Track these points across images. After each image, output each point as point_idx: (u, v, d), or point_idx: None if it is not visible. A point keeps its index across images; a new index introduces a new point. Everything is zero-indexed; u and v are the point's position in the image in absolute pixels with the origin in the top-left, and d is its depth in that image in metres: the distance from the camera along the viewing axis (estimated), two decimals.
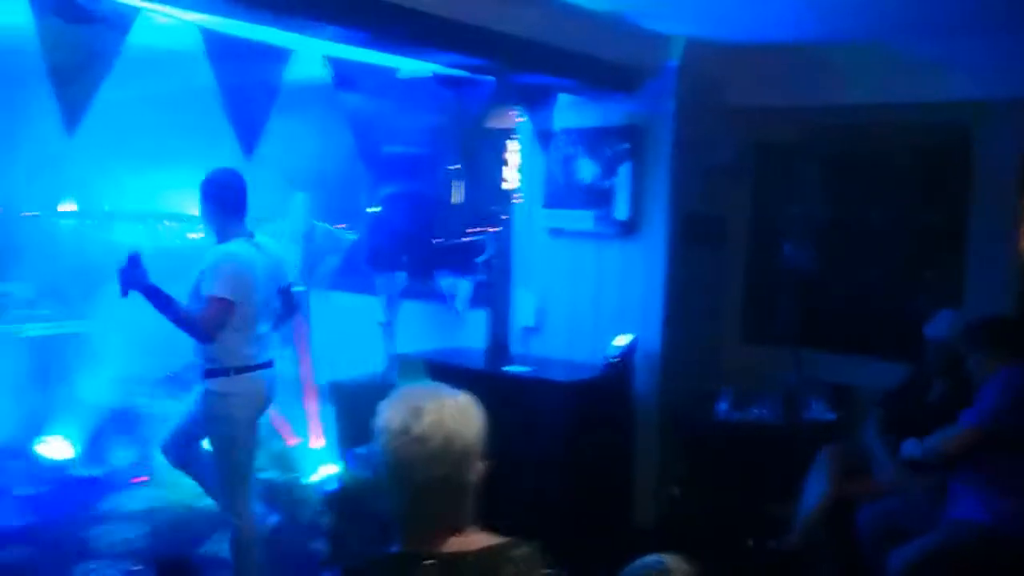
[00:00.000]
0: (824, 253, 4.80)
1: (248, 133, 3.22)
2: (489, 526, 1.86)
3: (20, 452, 5.36)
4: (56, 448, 5.52)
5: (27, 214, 5.99)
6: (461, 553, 1.78)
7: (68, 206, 6.14)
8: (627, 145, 4.81)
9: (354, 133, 3.68)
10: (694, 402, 4.77)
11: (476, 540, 1.81)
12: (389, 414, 1.80)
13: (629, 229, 4.82)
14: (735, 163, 4.98)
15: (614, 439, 4.69)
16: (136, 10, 3.02)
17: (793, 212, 4.91)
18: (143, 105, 4.75)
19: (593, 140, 4.93)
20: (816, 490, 4.08)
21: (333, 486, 4.73)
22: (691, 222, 4.84)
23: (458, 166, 5.34)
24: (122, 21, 3.00)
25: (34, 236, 5.94)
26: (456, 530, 1.80)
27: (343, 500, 4.58)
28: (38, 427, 5.49)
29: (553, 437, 4.38)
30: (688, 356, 4.87)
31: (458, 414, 1.81)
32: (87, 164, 5.04)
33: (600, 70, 4.48)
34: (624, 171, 4.80)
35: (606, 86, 4.68)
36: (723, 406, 4.65)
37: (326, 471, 5.20)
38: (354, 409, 4.57)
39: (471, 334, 5.52)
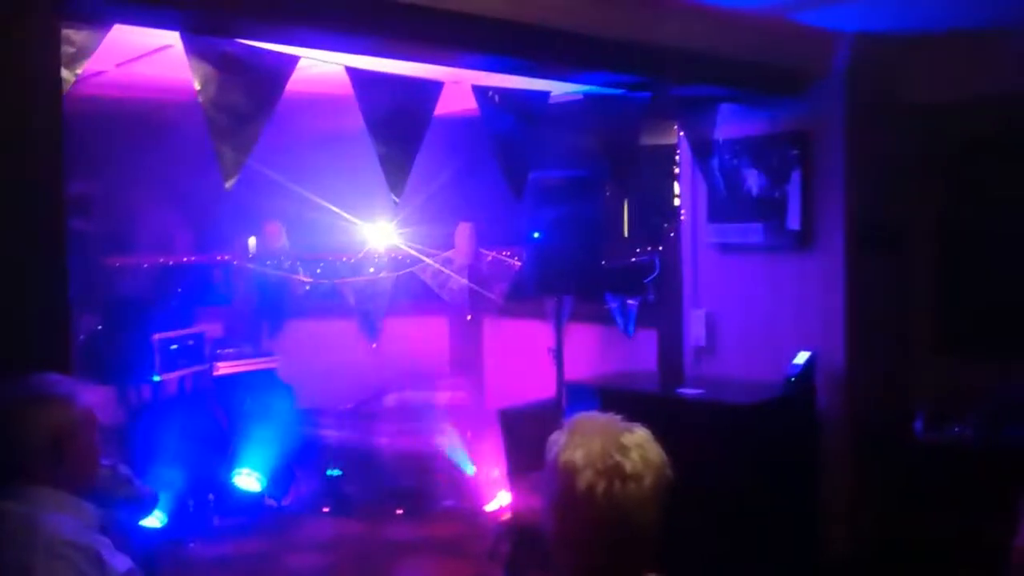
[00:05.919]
0: None
1: (398, 171, 3.22)
2: (663, 560, 1.73)
3: (218, 484, 5.65)
4: (248, 480, 5.79)
5: (216, 257, 6.33)
6: None
7: (248, 248, 6.45)
8: (796, 152, 4.55)
9: (501, 161, 3.64)
10: (885, 421, 4.43)
11: None
12: (580, 449, 1.64)
13: (802, 240, 4.56)
14: (916, 163, 4.62)
15: (798, 462, 4.42)
16: (294, 59, 3.12)
17: (988, 212, 4.48)
18: (306, 149, 4.93)
19: (758, 149, 4.69)
20: None
21: (506, 515, 4.72)
22: (870, 229, 4.51)
23: (618, 186, 5.23)
24: (280, 70, 3.11)
25: (221, 278, 6.29)
26: (636, 573, 1.67)
27: (516, 529, 4.54)
28: (233, 460, 5.77)
29: (733, 462, 4.16)
30: (875, 372, 4.53)
31: (655, 448, 1.68)
32: (262, 209, 5.28)
33: (762, 75, 4.27)
34: (794, 179, 4.56)
35: (770, 91, 4.46)
36: (918, 425, 4.29)
37: (500, 500, 5.19)
38: (524, 437, 4.53)
39: (641, 356, 5.38)
